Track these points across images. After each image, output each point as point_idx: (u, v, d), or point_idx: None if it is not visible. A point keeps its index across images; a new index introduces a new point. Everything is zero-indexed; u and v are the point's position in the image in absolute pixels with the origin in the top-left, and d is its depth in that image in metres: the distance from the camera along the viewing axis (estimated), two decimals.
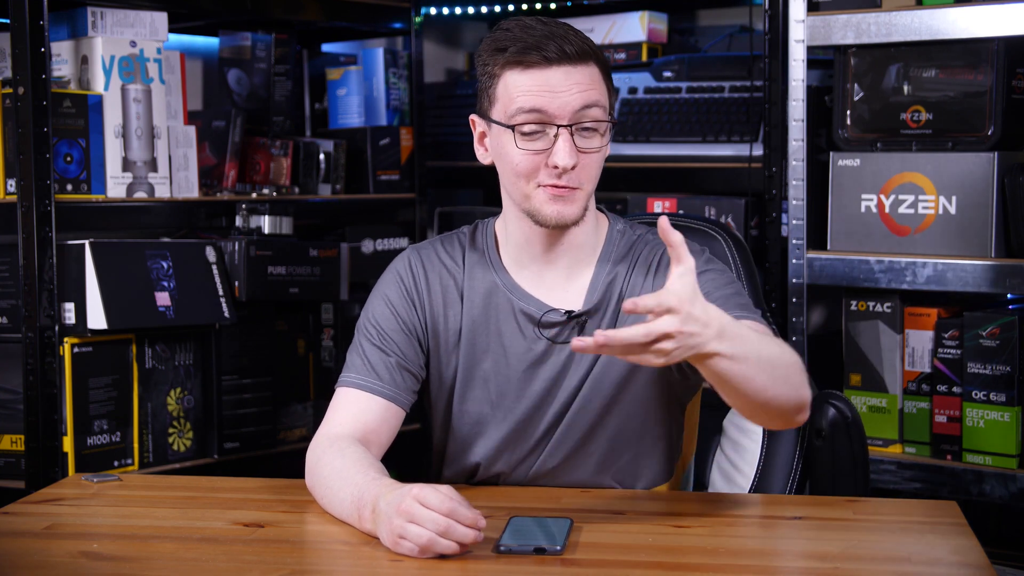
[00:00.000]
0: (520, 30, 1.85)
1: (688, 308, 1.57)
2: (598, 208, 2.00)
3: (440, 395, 2.00)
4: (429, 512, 1.60)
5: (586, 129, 1.85)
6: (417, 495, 1.62)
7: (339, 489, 1.77)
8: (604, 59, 1.89)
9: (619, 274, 1.95)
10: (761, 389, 1.68)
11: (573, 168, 1.83)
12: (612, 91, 1.91)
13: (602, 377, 1.94)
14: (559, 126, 1.83)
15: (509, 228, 1.97)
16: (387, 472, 1.80)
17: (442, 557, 1.60)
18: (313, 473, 1.85)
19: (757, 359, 1.66)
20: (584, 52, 1.85)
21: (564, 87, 1.83)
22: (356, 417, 1.91)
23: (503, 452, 1.98)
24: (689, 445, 2.10)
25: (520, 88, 1.84)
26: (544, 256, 1.94)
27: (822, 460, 2.09)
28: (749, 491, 2.09)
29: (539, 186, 1.86)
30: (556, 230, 1.91)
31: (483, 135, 1.94)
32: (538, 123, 1.83)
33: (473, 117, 1.95)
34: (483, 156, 1.94)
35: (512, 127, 1.85)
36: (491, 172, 1.99)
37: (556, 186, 1.85)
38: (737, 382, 1.65)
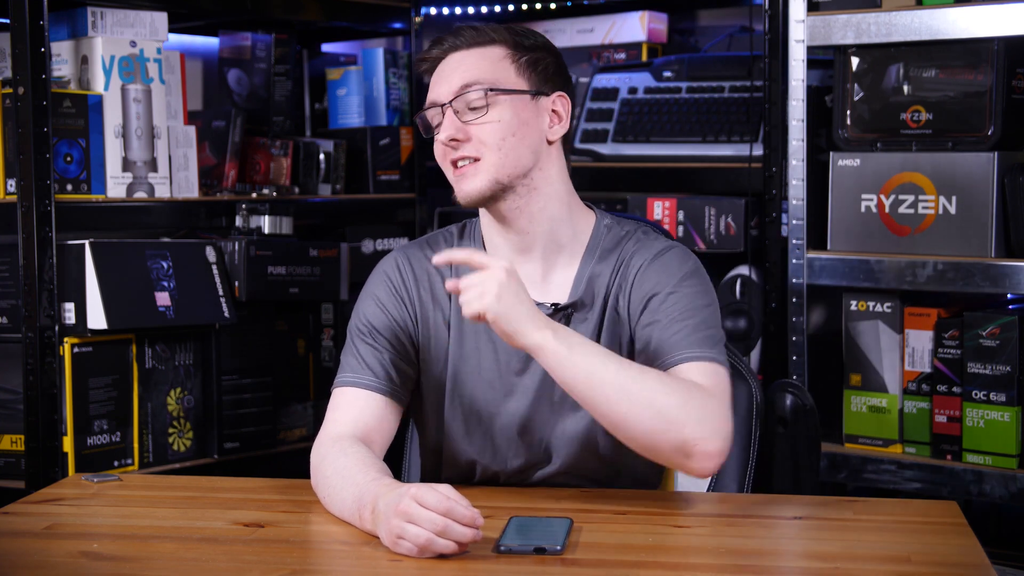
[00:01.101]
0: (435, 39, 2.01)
1: (504, 278, 1.75)
2: (587, 204, 2.02)
3: (432, 393, 2.00)
4: (427, 512, 1.60)
5: (473, 108, 1.92)
6: (415, 495, 1.62)
7: (341, 489, 1.78)
8: (518, 41, 1.97)
9: (605, 269, 1.96)
10: (597, 398, 1.78)
11: (457, 141, 1.92)
12: (532, 68, 1.96)
13: None
14: (441, 106, 1.93)
15: (484, 230, 2.02)
16: (389, 472, 1.80)
17: (442, 557, 1.60)
18: (317, 473, 1.85)
19: (602, 378, 1.76)
20: (476, 40, 1.96)
21: (449, 72, 1.95)
22: (356, 416, 1.91)
23: (500, 449, 1.98)
24: None
25: (429, 87, 1.98)
26: (517, 251, 1.97)
27: (783, 447, 2.09)
28: (707, 488, 2.09)
29: (450, 171, 1.95)
30: (495, 210, 1.95)
31: None
32: (431, 109, 1.95)
33: None
34: None
35: (422, 122, 1.97)
36: None
37: (455, 163, 1.94)
38: (571, 389, 1.79)
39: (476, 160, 1.92)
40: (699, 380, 1.82)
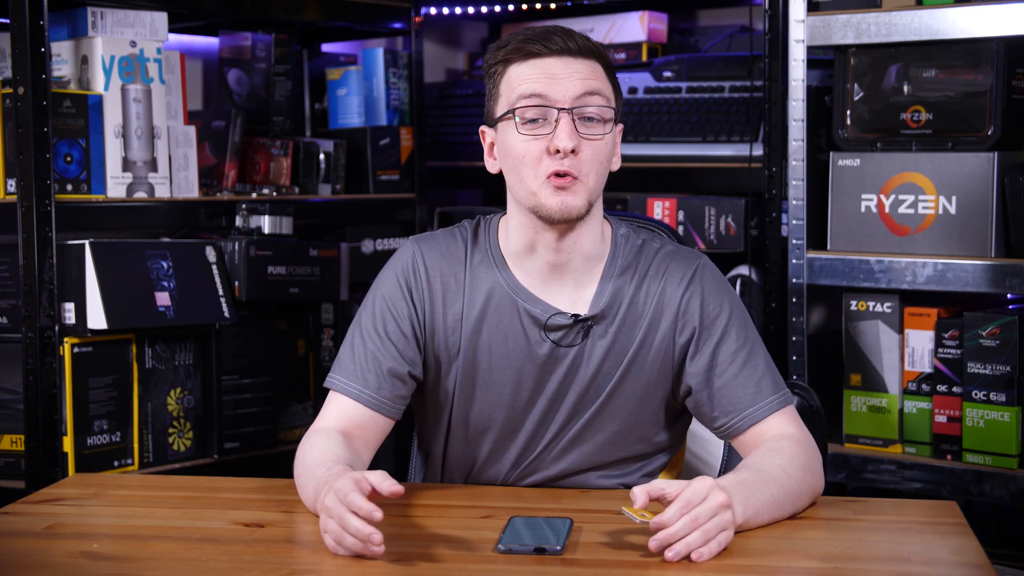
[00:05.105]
0: (524, 29, 1.89)
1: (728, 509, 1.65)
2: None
3: (437, 395, 1.98)
4: (337, 504, 1.60)
5: (588, 119, 1.85)
6: (335, 486, 1.61)
7: (306, 484, 1.78)
8: (609, 62, 1.91)
9: (627, 282, 1.93)
10: (781, 518, 1.78)
11: (574, 153, 1.83)
12: (618, 92, 1.91)
13: (607, 380, 1.92)
14: (559, 109, 1.83)
15: (512, 234, 1.94)
16: (349, 460, 1.78)
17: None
18: (295, 470, 1.85)
19: (773, 502, 1.74)
20: (587, 49, 1.87)
21: (565, 74, 1.85)
22: (341, 415, 1.90)
23: (505, 454, 1.97)
24: (680, 456, 2.11)
25: (522, 77, 1.86)
26: (550, 268, 1.92)
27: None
28: None
29: (544, 178, 1.84)
30: (562, 231, 1.88)
31: (492, 145, 1.93)
32: (539, 107, 1.84)
33: (482, 128, 1.95)
34: (492, 165, 1.94)
35: (514, 112, 1.85)
36: (492, 173, 1.99)
37: (559, 174, 1.83)
38: (763, 525, 1.75)
39: (575, 178, 1.84)
40: (787, 430, 1.87)
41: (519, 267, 1.94)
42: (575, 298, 1.93)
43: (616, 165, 1.93)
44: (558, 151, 1.82)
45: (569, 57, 1.85)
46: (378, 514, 1.57)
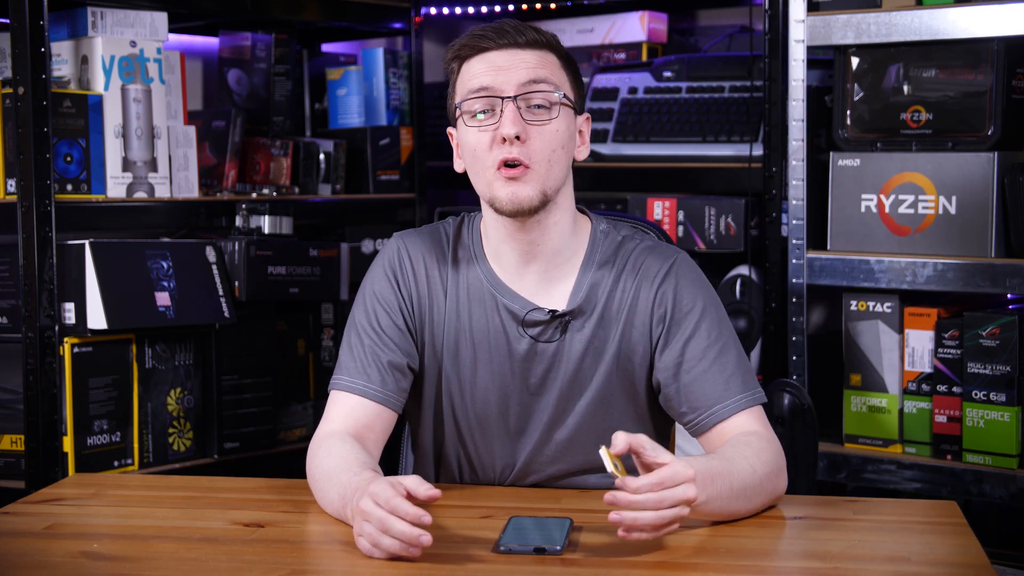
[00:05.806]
0: (475, 28, 1.92)
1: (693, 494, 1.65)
2: (579, 208, 1.99)
3: (425, 391, 1.98)
4: (377, 509, 1.60)
5: (537, 106, 1.86)
6: (371, 491, 1.61)
7: (328, 490, 1.78)
8: (565, 53, 1.93)
9: (604, 277, 1.94)
10: (734, 514, 1.77)
11: (520, 140, 1.84)
12: (577, 83, 1.93)
13: (588, 376, 1.93)
14: (503, 98, 1.85)
15: (488, 231, 1.96)
16: (373, 465, 1.80)
17: (406, 559, 1.60)
18: (310, 475, 1.85)
19: (730, 494, 1.74)
20: (536, 42, 1.89)
21: (510, 64, 1.87)
22: (348, 416, 1.90)
23: (495, 452, 1.97)
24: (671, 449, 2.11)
25: (471, 72, 1.89)
26: (522, 260, 1.93)
27: (781, 446, 2.10)
28: None
29: (495, 169, 1.85)
30: (524, 222, 1.88)
31: (458, 145, 1.95)
32: (486, 98, 1.86)
33: (448, 129, 1.99)
34: (458, 165, 1.96)
35: (462, 106, 1.88)
36: (459, 173, 2.01)
37: (507, 164, 1.84)
38: (713, 516, 1.75)
39: (525, 167, 1.85)
40: (753, 428, 1.87)
41: (497, 263, 1.96)
42: (553, 294, 1.94)
43: (582, 155, 1.94)
44: (504, 139, 1.84)
45: (517, 49, 1.88)
46: (427, 518, 1.58)
